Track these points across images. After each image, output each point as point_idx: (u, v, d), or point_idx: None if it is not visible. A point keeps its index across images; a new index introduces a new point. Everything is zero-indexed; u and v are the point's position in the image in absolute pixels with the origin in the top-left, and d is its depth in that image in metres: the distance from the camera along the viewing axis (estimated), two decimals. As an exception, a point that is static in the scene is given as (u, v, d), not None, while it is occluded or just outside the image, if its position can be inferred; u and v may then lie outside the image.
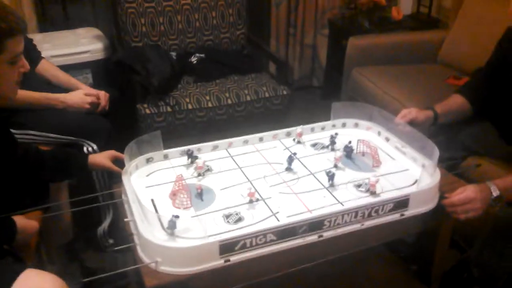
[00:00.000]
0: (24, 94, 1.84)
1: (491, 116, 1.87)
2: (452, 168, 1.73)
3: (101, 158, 1.56)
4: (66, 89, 2.03)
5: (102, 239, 1.35)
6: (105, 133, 1.95)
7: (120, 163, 1.56)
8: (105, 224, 1.39)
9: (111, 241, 1.37)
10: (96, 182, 1.92)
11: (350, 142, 1.64)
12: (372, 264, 1.81)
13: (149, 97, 2.42)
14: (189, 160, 1.57)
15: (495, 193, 1.44)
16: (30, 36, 2.22)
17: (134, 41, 2.75)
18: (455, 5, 2.93)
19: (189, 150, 1.58)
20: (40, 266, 1.42)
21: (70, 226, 1.88)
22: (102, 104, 2.01)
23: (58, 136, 1.92)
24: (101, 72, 2.74)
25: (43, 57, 2.14)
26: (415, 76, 2.70)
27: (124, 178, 1.41)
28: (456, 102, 1.88)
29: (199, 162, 1.51)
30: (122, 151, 1.46)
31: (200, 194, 1.41)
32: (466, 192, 1.42)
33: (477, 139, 1.88)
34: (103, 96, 2.02)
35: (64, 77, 2.07)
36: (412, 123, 1.72)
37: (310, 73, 3.78)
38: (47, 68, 2.11)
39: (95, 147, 1.91)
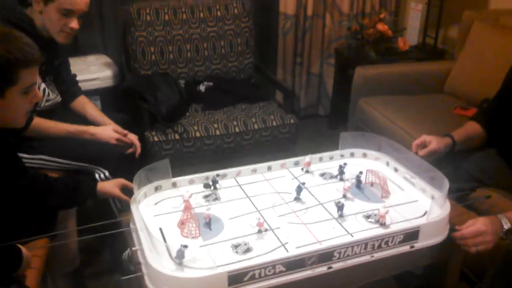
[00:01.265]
0: (58, 126, 1.91)
1: (500, 145, 1.87)
2: (462, 199, 1.72)
3: (110, 186, 1.56)
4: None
5: (126, 263, 1.34)
6: (115, 160, 1.96)
7: (129, 191, 1.56)
8: (129, 250, 1.38)
9: (132, 267, 1.36)
10: (113, 207, 1.92)
11: (361, 173, 1.63)
12: (381, 297, 1.79)
13: (158, 124, 2.43)
14: (212, 187, 1.57)
15: (506, 225, 1.43)
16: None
17: (144, 69, 2.79)
18: (461, 36, 2.95)
19: (213, 177, 1.59)
20: (46, 294, 1.41)
21: (77, 253, 1.87)
22: (138, 150, 2.03)
23: (69, 162, 1.94)
24: (110, 99, 2.77)
25: (82, 94, 2.19)
26: (422, 106, 2.71)
27: (133, 207, 1.41)
28: (474, 128, 1.89)
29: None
30: (131, 177, 1.46)
31: (208, 223, 1.41)
32: (476, 225, 1.41)
33: (486, 171, 1.87)
34: (134, 139, 2.04)
35: (98, 115, 2.12)
36: (431, 153, 1.73)
37: (316, 102, 3.80)
38: (84, 104, 2.15)
39: (107, 173, 1.92)
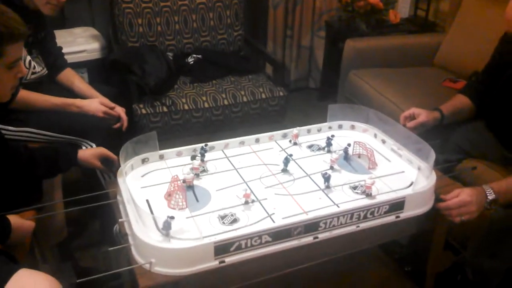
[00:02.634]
0: (44, 99, 1.89)
1: (489, 118, 1.88)
2: (448, 170, 1.74)
3: (90, 156, 1.56)
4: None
5: (117, 236, 1.34)
6: (102, 132, 1.94)
7: (111, 161, 1.56)
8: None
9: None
10: (101, 179, 1.92)
11: (349, 144, 1.64)
12: (367, 265, 1.81)
13: (145, 97, 2.42)
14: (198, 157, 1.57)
15: (491, 196, 1.45)
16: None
17: (131, 41, 2.75)
18: (452, 9, 2.93)
19: (201, 148, 1.58)
20: (34, 266, 1.41)
21: (64, 225, 1.87)
22: (125, 124, 2.01)
23: (56, 134, 1.92)
24: (98, 72, 2.74)
25: (68, 66, 2.16)
26: (411, 79, 2.71)
27: (119, 179, 1.41)
28: (462, 102, 1.89)
29: (195, 163, 1.50)
30: (118, 150, 1.46)
31: (191, 187, 1.42)
32: (461, 196, 1.42)
33: (473, 142, 1.88)
34: (122, 112, 2.02)
35: (85, 88, 2.09)
36: (420, 126, 1.74)
37: (306, 74, 3.78)
38: (71, 77, 2.12)
39: (94, 146, 1.91)
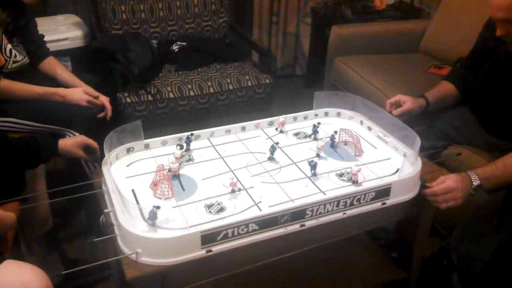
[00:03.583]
0: (26, 88, 1.86)
1: (473, 104, 1.89)
2: (434, 157, 1.75)
3: (71, 145, 1.54)
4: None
5: (103, 227, 1.33)
6: (86, 122, 1.92)
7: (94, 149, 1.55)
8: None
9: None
10: (86, 168, 1.90)
11: (335, 132, 1.64)
12: (354, 252, 1.83)
13: (130, 85, 2.39)
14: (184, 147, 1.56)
15: (476, 182, 1.46)
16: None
17: (114, 29, 2.71)
18: (437, -5, 2.94)
19: (187, 137, 1.57)
20: (19, 257, 1.39)
21: (49, 215, 1.85)
22: (109, 114, 1.99)
23: (40, 124, 1.90)
24: (81, 60, 2.70)
25: (51, 55, 2.12)
26: (397, 65, 2.71)
27: (104, 168, 1.39)
28: (446, 89, 1.90)
29: (176, 153, 1.49)
30: (103, 139, 1.44)
31: (177, 176, 1.41)
32: (447, 182, 1.43)
33: (458, 129, 1.89)
34: (106, 101, 1.99)
35: (69, 77, 2.06)
36: (405, 113, 1.74)
37: (293, 61, 3.77)
38: (53, 65, 2.09)
39: (77, 135, 1.88)
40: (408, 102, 1.78)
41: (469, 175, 1.47)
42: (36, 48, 2.05)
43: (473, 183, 1.46)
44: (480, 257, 1.57)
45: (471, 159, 1.82)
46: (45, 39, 2.14)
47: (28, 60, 2.00)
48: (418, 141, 1.46)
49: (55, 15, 2.88)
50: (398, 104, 1.80)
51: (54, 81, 2.04)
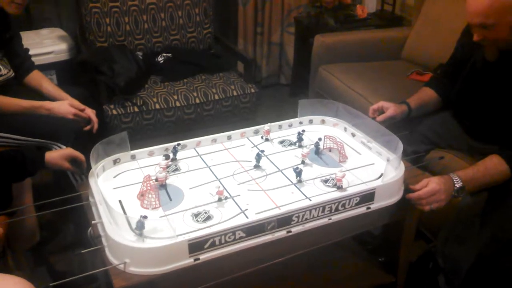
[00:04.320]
0: (12, 102, 1.86)
1: (455, 109, 1.93)
2: (416, 161, 1.78)
3: (57, 158, 1.54)
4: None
5: (91, 239, 1.33)
6: (73, 134, 1.92)
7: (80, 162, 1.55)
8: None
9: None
10: (72, 181, 1.90)
11: (320, 139, 1.66)
12: (341, 257, 1.84)
13: (116, 97, 2.39)
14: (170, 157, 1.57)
15: (458, 184, 1.49)
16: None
17: (99, 41, 2.72)
18: (417, 3, 2.99)
19: (173, 147, 1.59)
20: (6, 272, 1.39)
21: (37, 229, 1.84)
22: (95, 126, 1.99)
23: (26, 138, 1.89)
24: (66, 73, 2.70)
25: (36, 68, 2.12)
26: (380, 73, 2.75)
27: (91, 180, 1.40)
28: (428, 95, 1.94)
29: (161, 163, 1.50)
30: (90, 152, 1.44)
31: (163, 186, 1.42)
32: (430, 185, 1.46)
33: (440, 133, 1.93)
34: (92, 114, 2.00)
35: (54, 90, 2.06)
36: (388, 119, 1.77)
37: (277, 71, 3.81)
38: (38, 79, 2.09)
39: (64, 148, 1.88)
40: (391, 109, 1.81)
41: (451, 177, 1.50)
42: (21, 62, 2.06)
43: (456, 185, 1.49)
44: (465, 258, 1.60)
45: (454, 163, 1.85)
46: (30, 52, 2.15)
47: (13, 74, 2.01)
48: (400, 146, 1.49)
49: (40, 28, 2.89)
50: (381, 111, 1.83)
51: (39, 95, 2.04)
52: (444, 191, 1.47)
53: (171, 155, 1.58)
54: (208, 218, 1.31)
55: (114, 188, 1.45)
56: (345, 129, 1.80)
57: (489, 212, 1.58)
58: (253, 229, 1.26)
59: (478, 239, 1.61)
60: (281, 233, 1.30)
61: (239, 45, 3.54)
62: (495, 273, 1.65)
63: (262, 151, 1.58)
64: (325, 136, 1.67)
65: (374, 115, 1.83)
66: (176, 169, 1.54)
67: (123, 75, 2.39)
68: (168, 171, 1.51)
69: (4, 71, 1.94)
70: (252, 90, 2.65)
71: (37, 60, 2.22)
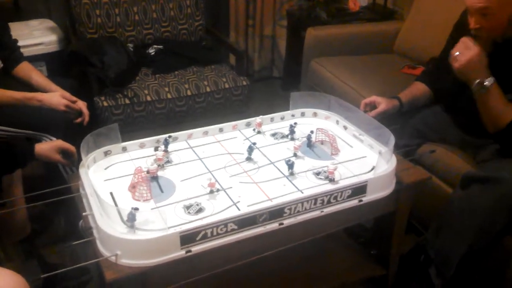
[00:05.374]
0: (3, 94, 1.83)
1: (446, 103, 1.93)
2: (408, 154, 1.79)
3: (48, 150, 1.53)
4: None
5: (83, 231, 1.32)
6: (63, 126, 1.91)
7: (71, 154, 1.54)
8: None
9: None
10: (63, 172, 1.88)
11: (312, 132, 1.66)
12: (333, 250, 1.85)
13: (107, 89, 2.38)
14: (161, 148, 1.56)
15: (488, 81, 1.53)
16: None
17: (90, 33, 2.69)
18: (409, -4, 2.99)
19: (165, 139, 1.58)
20: (-4, 264, 1.38)
21: (27, 221, 1.83)
22: (86, 119, 1.97)
23: (16, 129, 1.87)
24: (56, 65, 2.67)
25: (25, 60, 2.09)
26: (372, 66, 2.75)
27: (82, 172, 1.39)
28: (419, 89, 1.94)
29: (158, 154, 1.49)
30: (80, 144, 1.43)
31: (155, 178, 1.42)
32: (474, 49, 1.52)
33: (432, 127, 1.93)
34: (83, 106, 1.97)
35: (44, 82, 2.03)
36: (380, 114, 1.77)
37: (270, 64, 3.80)
38: (28, 70, 2.06)
39: (54, 140, 1.87)
40: (383, 104, 1.81)
41: (490, 73, 1.53)
42: (10, 53, 2.03)
43: (486, 80, 1.52)
44: (456, 249, 1.61)
45: (445, 156, 1.86)
46: (19, 44, 2.12)
47: (2, 65, 1.98)
48: (392, 139, 1.49)
49: (29, 20, 2.85)
50: (372, 105, 1.84)
51: (28, 86, 2.02)
52: (475, 61, 1.53)
53: (163, 147, 1.57)
54: (200, 210, 1.31)
55: (105, 180, 1.44)
56: (337, 122, 1.80)
57: (479, 204, 1.58)
58: (245, 221, 1.26)
59: (468, 231, 1.61)
60: (273, 226, 1.30)
61: (231, 37, 3.52)
62: (485, 264, 1.66)
63: (254, 143, 1.58)
64: (317, 129, 1.67)
65: (366, 109, 1.83)
66: (168, 161, 1.54)
67: (113, 67, 2.37)
68: (159, 163, 1.50)
69: (-8, 62, 1.92)
70: (244, 83, 2.64)
71: (26, 51, 2.19)
